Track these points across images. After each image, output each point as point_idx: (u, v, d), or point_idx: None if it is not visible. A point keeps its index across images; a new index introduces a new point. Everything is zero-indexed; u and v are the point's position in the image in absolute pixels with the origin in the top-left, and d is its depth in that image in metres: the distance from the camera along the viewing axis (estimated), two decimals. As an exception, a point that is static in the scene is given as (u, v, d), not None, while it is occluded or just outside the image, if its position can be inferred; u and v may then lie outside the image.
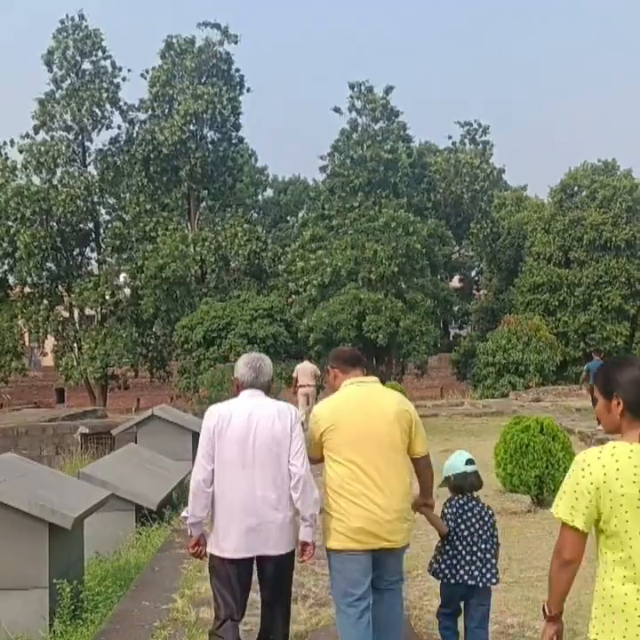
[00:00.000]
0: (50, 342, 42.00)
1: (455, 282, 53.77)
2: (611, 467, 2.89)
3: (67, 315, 40.47)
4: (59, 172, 38.40)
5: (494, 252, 45.02)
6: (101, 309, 39.63)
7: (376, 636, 4.55)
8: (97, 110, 38.46)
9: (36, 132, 38.62)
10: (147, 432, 16.02)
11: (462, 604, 4.97)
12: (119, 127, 40.22)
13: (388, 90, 40.28)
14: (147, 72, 39.46)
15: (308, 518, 4.51)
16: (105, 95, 38.27)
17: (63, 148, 37.97)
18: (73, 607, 6.39)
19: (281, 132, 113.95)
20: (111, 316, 39.79)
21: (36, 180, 38.59)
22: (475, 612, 4.88)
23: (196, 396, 22.15)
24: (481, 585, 4.82)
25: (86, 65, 38.98)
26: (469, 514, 4.90)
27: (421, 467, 4.80)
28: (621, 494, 2.86)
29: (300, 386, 21.00)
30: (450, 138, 44.99)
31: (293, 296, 37.60)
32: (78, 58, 38.72)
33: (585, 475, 2.91)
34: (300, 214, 49.26)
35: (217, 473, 4.43)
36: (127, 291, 39.17)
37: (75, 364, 38.65)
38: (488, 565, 4.85)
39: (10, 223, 37.81)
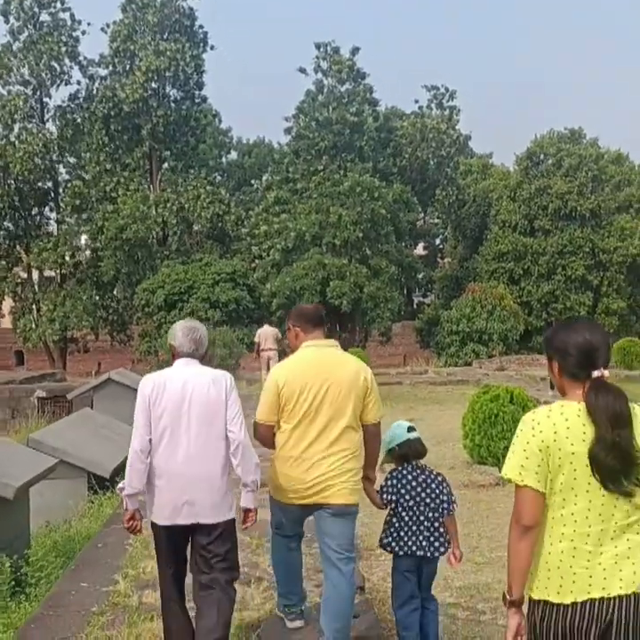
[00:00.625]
0: (8, 304, 41.13)
1: (419, 249, 53.41)
2: (561, 425, 2.87)
3: (25, 276, 39.53)
4: (16, 128, 37.23)
5: (459, 219, 44.77)
6: (61, 271, 38.74)
7: (324, 620, 4.54)
8: (55, 64, 37.23)
9: (-8, 86, 37.42)
10: (103, 396, 15.60)
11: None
12: (79, 83, 39.05)
13: (355, 51, 39.53)
14: (107, 26, 38.19)
15: (249, 484, 4.49)
16: (64, 49, 37.00)
17: (21, 103, 36.73)
18: (13, 583, 5.98)
19: (245, 94, 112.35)
20: (71, 277, 38.91)
21: (-8, 136, 37.44)
22: (424, 581, 4.79)
23: (155, 359, 21.64)
24: (429, 554, 4.71)
25: (44, 16, 37.59)
26: (414, 483, 4.77)
27: (370, 434, 4.73)
28: (571, 452, 2.84)
29: (262, 350, 20.91)
30: (416, 102, 44.32)
31: (256, 260, 37.03)
32: (36, 9, 37.31)
33: (535, 434, 2.88)
34: (265, 177, 48.42)
35: (154, 442, 4.37)
36: (87, 252, 38.33)
37: (33, 326, 37.82)
38: (436, 534, 4.73)
39: (-35, 180, 36.73)
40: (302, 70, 39.94)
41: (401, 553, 4.72)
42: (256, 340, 21.62)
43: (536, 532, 2.90)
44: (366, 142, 39.14)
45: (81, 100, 39.00)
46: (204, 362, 4.67)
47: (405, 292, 47.91)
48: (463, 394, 17.95)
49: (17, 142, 36.68)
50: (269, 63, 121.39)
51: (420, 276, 47.16)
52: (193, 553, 4.48)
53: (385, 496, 4.82)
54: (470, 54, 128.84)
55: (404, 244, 40.77)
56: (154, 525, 4.46)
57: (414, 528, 4.71)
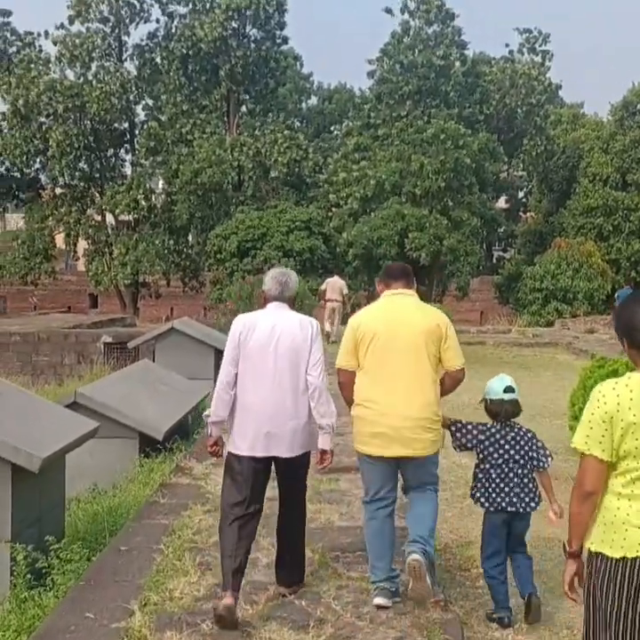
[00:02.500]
0: (82, 246, 41.00)
1: (501, 202, 51.52)
2: (625, 396, 3.00)
3: (99, 218, 39.18)
4: (94, 66, 36.66)
5: (547, 171, 42.73)
6: (133, 214, 38.24)
7: (410, 528, 4.68)
8: (135, 1, 36.40)
9: (71, 23, 36.75)
10: (165, 347, 14.79)
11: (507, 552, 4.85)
12: (157, 21, 38.33)
13: (444, -10, 37.66)
14: (189, -37, 37.11)
15: (324, 426, 4.66)
16: (144, -16, 36.09)
17: (99, 40, 36.11)
18: (31, 569, 5.11)
19: (328, 36, 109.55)
20: (144, 221, 38.41)
21: (70, 74, 36.97)
22: (516, 535, 4.83)
23: (222, 308, 20.87)
24: (521, 510, 4.76)
25: (125, -48, 36.70)
26: (502, 441, 4.80)
27: (449, 378, 4.82)
28: (633, 422, 2.98)
29: (328, 300, 20.10)
30: (507, 46, 42.18)
31: (333, 209, 36.05)
32: (114, -56, 36.48)
33: (600, 405, 3.02)
34: (345, 123, 46.87)
35: (240, 377, 4.65)
36: (162, 196, 37.70)
37: (105, 269, 37.52)
38: (525, 490, 4.78)
39: (42, 119, 36.36)
40: (388, 11, 38.37)
41: (491, 509, 4.77)
42: (322, 287, 20.76)
43: (596, 497, 3.08)
44: (452, 87, 37.40)
45: (159, 38, 38.17)
46: (295, 308, 4.92)
47: (485, 246, 46.25)
48: (552, 358, 16.66)
49: (94, 81, 36.12)
50: (354, 3, 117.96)
51: (502, 230, 45.44)
52: (279, 480, 4.80)
53: (464, 441, 4.87)
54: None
55: (486, 196, 39.13)
56: (231, 455, 4.69)
57: (502, 485, 4.76)
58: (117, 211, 37.61)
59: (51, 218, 38.21)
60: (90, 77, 36.40)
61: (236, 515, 4.52)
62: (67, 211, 37.85)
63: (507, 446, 4.79)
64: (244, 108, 40.30)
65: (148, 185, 38.17)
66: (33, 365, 21.98)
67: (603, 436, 3.00)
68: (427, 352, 4.62)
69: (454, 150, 33.38)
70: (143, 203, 37.23)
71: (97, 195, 39.00)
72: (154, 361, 15.04)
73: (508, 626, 4.70)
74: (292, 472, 4.75)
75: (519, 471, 4.77)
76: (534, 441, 4.86)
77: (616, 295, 20.32)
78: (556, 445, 8.55)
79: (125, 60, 38.06)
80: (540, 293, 33.54)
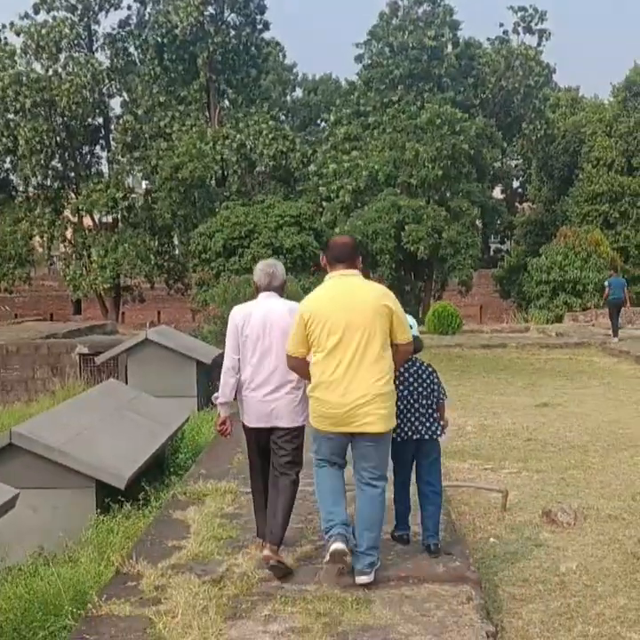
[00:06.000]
0: (61, 250, 38.79)
1: (497, 193, 49.53)
2: None
3: (75, 220, 36.87)
4: (62, 57, 34.43)
5: (547, 157, 40.79)
6: (112, 214, 36.01)
7: (359, 530, 4.88)
8: (104, -15, 34.04)
9: (36, 12, 34.57)
10: (139, 360, 12.58)
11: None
12: (129, 8, 36.27)
13: (434, -34, 35.53)
14: (161, -56, 34.82)
15: None
16: (113, -32, 33.79)
17: (67, 29, 33.77)
18: None
19: (311, 21, 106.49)
20: (124, 221, 36.15)
21: (37, 67, 34.58)
22: (424, 461, 5.22)
23: (205, 314, 18.66)
24: (427, 437, 5.15)
25: None
26: (406, 374, 5.19)
27: (400, 352, 4.94)
28: None
29: None
30: (501, 25, 39.84)
31: (324, 202, 34.21)
32: None
33: None
34: (333, 112, 44.66)
35: (243, 361, 5.32)
36: (140, 191, 35.42)
37: (84, 273, 35.21)
38: (431, 419, 5.18)
39: (10, 115, 34.09)
40: (375, -10, 36.11)
41: (399, 439, 5.11)
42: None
43: None
44: (446, 70, 35.30)
45: (132, 26, 36.05)
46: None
47: (482, 238, 44.26)
48: (591, 362, 14.33)
49: (63, 74, 33.88)
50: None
51: (499, 221, 43.47)
52: (271, 448, 5.36)
53: None
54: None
55: (484, 185, 37.15)
56: (244, 426, 5.43)
57: (409, 415, 5.16)
58: (95, 211, 35.40)
59: (24, 220, 35.84)
60: (59, 70, 34.13)
61: (259, 483, 5.42)
62: (40, 212, 35.54)
63: (411, 379, 5.20)
64: (225, 99, 38.02)
65: (126, 183, 35.92)
66: (1, 381, 20.10)
67: None
68: (379, 330, 4.76)
69: (451, 136, 31.72)
70: (122, 202, 34.98)
71: (72, 195, 36.82)
72: (125, 377, 12.87)
73: (408, 543, 5.27)
74: (289, 440, 5.30)
75: (424, 402, 5.18)
76: (434, 376, 5.29)
77: (606, 283, 19.91)
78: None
79: (96, 50, 35.84)
80: (547, 286, 32.32)
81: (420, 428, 5.12)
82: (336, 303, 4.81)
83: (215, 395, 5.47)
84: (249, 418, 5.33)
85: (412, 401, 5.14)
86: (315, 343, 4.84)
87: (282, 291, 5.42)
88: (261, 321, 5.22)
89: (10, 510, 4.88)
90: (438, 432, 5.16)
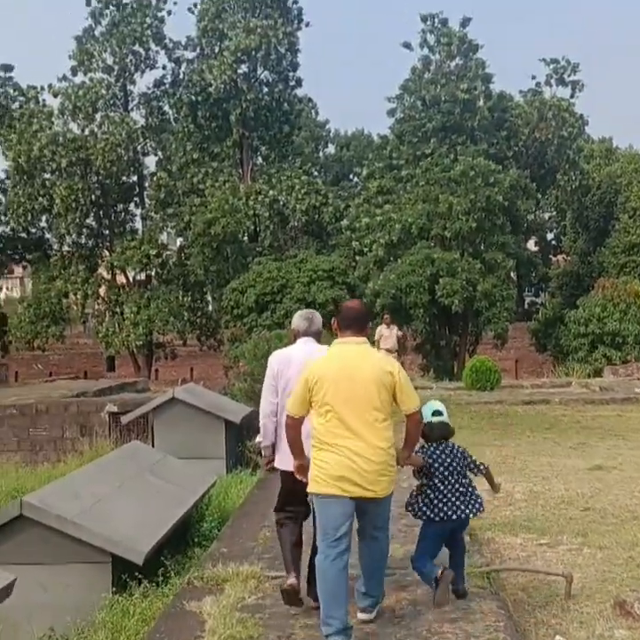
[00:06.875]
0: (94, 307, 38.85)
1: (531, 245, 49.12)
2: None
3: (108, 277, 37.01)
4: (98, 117, 34.81)
5: (582, 208, 40.34)
6: (146, 271, 36.06)
7: (362, 580, 5.10)
8: (140, 48, 34.72)
9: (74, 74, 35.10)
10: (166, 420, 12.24)
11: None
12: (164, 68, 36.58)
13: (465, 22, 35.78)
14: (194, 6, 35.50)
15: None
16: (148, 31, 34.42)
17: (103, 90, 34.29)
18: None
19: (344, 77, 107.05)
20: (157, 278, 36.21)
21: (73, 127, 35.07)
22: (456, 545, 5.34)
23: (235, 371, 18.29)
24: (464, 516, 5.20)
25: (127, -3, 35.10)
26: (443, 456, 5.24)
27: (410, 422, 5.01)
28: None
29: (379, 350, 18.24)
30: (533, 78, 39.87)
31: (357, 256, 33.96)
32: (119, -12, 34.86)
33: None
34: (365, 166, 44.80)
35: (280, 405, 5.36)
36: (173, 247, 35.51)
37: (117, 330, 35.16)
38: (471, 497, 5.22)
39: (46, 175, 34.42)
40: (407, 45, 36.29)
41: (437, 519, 5.15)
42: (376, 338, 20.22)
43: None
44: (479, 122, 35.12)
45: (167, 85, 36.47)
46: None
47: (516, 290, 43.77)
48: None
49: (99, 133, 34.25)
50: (369, 40, 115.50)
51: (533, 273, 42.99)
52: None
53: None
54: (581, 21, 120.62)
55: (519, 237, 36.77)
56: (280, 469, 5.54)
57: (449, 495, 5.17)
58: (128, 268, 35.48)
59: (58, 278, 36.02)
60: (94, 129, 34.56)
61: (283, 518, 5.57)
62: (75, 270, 35.71)
63: (448, 459, 5.25)
64: (258, 156, 38.22)
65: (160, 239, 36.04)
66: (31, 441, 19.88)
67: None
68: (379, 399, 4.84)
69: (485, 188, 31.27)
70: (155, 258, 35.08)
71: (106, 252, 37.01)
72: (152, 438, 12.52)
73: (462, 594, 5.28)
74: None
75: (463, 480, 5.25)
76: (467, 454, 5.36)
77: None
78: None
79: (131, 109, 36.26)
80: (585, 339, 31.44)
81: (461, 506, 5.17)
82: (342, 372, 4.88)
83: (258, 439, 5.68)
84: (285, 461, 5.37)
85: (452, 481, 5.20)
86: (318, 406, 4.89)
87: (319, 337, 5.60)
88: (301, 366, 5.24)
89: (5, 599, 4.47)
90: (477, 508, 5.25)
